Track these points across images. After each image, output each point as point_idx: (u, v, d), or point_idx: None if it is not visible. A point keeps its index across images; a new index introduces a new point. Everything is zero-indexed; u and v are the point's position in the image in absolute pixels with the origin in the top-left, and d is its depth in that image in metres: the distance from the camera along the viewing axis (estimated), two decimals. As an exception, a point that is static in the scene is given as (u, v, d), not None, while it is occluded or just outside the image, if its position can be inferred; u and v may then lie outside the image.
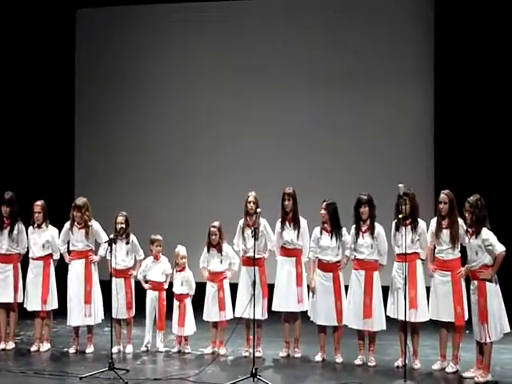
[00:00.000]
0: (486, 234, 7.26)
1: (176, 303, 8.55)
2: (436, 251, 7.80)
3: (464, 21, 11.32)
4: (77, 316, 8.40)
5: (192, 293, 8.63)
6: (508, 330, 7.34)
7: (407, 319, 7.62)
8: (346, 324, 8.08)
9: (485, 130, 11.28)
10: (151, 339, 8.62)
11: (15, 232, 8.58)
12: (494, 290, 7.25)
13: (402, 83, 11.81)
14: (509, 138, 11.28)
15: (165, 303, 8.65)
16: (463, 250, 7.65)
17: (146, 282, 8.70)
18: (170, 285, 8.69)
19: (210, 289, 8.54)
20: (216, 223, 8.56)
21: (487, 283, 7.22)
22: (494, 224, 7.47)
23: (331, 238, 8.14)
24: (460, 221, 7.69)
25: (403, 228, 7.65)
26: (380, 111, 11.81)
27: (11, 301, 8.58)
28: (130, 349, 8.55)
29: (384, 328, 8.01)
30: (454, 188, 7.94)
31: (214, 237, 8.50)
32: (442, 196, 7.76)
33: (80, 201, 8.50)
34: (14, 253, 8.62)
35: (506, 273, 7.56)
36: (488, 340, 7.24)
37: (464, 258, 7.63)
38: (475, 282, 7.31)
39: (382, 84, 11.84)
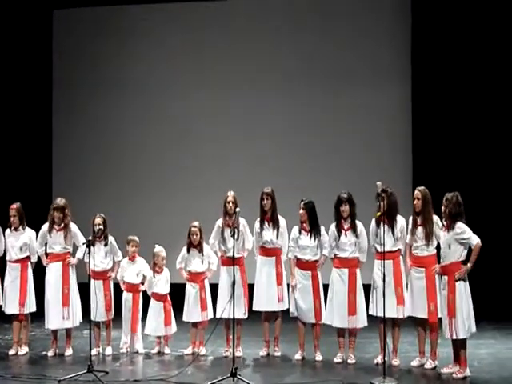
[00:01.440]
0: (460, 227, 7.30)
1: (159, 304, 8.51)
2: (412, 248, 7.87)
3: (441, 18, 11.44)
4: (55, 319, 8.33)
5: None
6: (474, 330, 7.39)
7: (395, 315, 7.73)
8: (330, 323, 8.07)
9: (462, 128, 11.39)
10: (129, 341, 8.57)
11: (-5, 235, 8.54)
12: (463, 287, 7.28)
13: (379, 82, 11.88)
14: (486, 135, 11.39)
15: (140, 305, 8.59)
16: (439, 247, 7.70)
17: (124, 282, 8.66)
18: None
19: (191, 289, 8.50)
20: (196, 223, 8.54)
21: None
22: (472, 221, 7.52)
23: (310, 237, 8.16)
24: (435, 218, 7.74)
25: (383, 226, 7.69)
26: (357, 110, 11.89)
27: None
28: (109, 351, 8.49)
29: (366, 324, 8.04)
30: (432, 186, 7.99)
31: (195, 237, 8.48)
32: (416, 192, 7.84)
33: (62, 202, 8.42)
34: (-5, 256, 8.59)
35: (477, 273, 7.62)
36: (454, 336, 7.27)
37: (440, 255, 7.68)
38: (445, 277, 7.35)
39: (359, 83, 11.91)
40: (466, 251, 7.34)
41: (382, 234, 7.59)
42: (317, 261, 8.19)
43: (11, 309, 8.50)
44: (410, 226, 7.88)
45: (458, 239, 7.29)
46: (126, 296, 8.59)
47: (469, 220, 7.46)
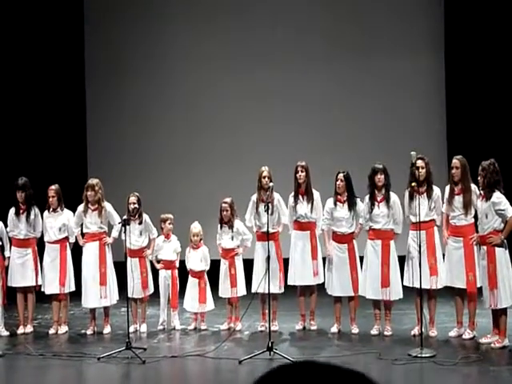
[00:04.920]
0: (498, 197, 7.17)
1: (194, 280, 8.53)
2: (450, 217, 7.76)
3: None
4: (92, 298, 8.45)
5: (207, 268, 8.64)
6: None
7: (428, 286, 7.66)
8: (363, 295, 8.05)
9: (497, 95, 11.13)
10: (166, 317, 8.63)
11: (32, 217, 8.62)
12: (503, 256, 7.18)
13: (412, 53, 11.69)
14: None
15: (178, 281, 8.65)
16: (477, 217, 7.58)
17: (158, 261, 8.71)
18: (180, 263, 8.70)
19: (223, 266, 8.53)
20: (227, 199, 8.53)
21: (496, 249, 7.17)
22: (508, 189, 7.38)
23: (346, 208, 8.11)
24: (473, 186, 7.62)
25: (418, 196, 7.61)
26: (390, 81, 11.70)
27: (32, 284, 8.62)
28: (144, 328, 8.56)
29: (401, 297, 8.00)
30: (467, 154, 7.89)
31: (225, 213, 8.47)
32: (454, 161, 7.71)
33: (93, 180, 8.54)
34: (32, 237, 8.67)
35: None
36: (498, 306, 7.18)
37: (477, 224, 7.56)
38: (484, 247, 7.25)
39: (391, 54, 11.73)
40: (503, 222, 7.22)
41: (418, 204, 7.50)
42: (353, 233, 8.15)
43: (51, 289, 8.62)
44: (446, 196, 7.77)
45: (495, 210, 7.16)
46: (165, 274, 8.64)
47: (506, 187, 7.33)
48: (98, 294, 8.41)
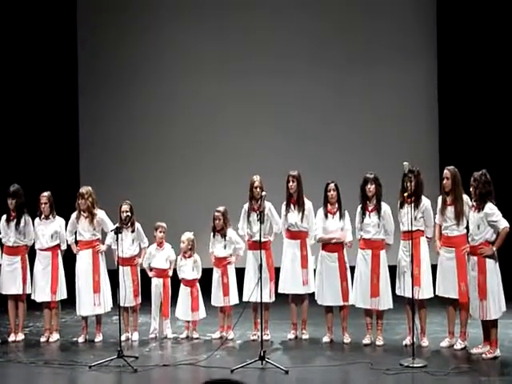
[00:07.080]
0: (491, 208, 7.20)
1: (187, 289, 8.55)
2: (442, 228, 7.78)
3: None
4: (86, 306, 8.43)
5: (198, 277, 8.64)
6: (505, 308, 7.31)
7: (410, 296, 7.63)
8: (354, 304, 8.06)
9: (490, 106, 11.20)
10: (158, 326, 8.63)
11: (22, 224, 8.60)
12: (493, 267, 7.21)
13: (404, 61, 11.74)
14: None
15: (169, 290, 8.64)
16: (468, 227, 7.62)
17: (151, 269, 8.71)
18: (174, 271, 8.71)
19: (215, 274, 8.54)
20: (220, 208, 8.55)
21: (487, 260, 7.19)
22: (501, 200, 7.43)
23: (337, 219, 8.14)
24: (465, 197, 7.65)
25: (407, 206, 7.64)
26: (382, 90, 11.75)
27: (20, 292, 8.60)
28: (136, 336, 8.56)
29: (391, 307, 8.01)
30: (460, 165, 7.91)
31: (217, 221, 8.49)
32: (445, 172, 7.76)
33: (83, 188, 8.56)
34: (22, 245, 8.64)
35: (505, 251, 7.50)
36: (487, 317, 7.21)
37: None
38: (475, 258, 7.28)
39: (385, 62, 11.77)
40: (495, 233, 7.25)
41: (408, 213, 7.53)
42: (342, 242, 8.17)
43: (42, 296, 8.59)
44: (439, 206, 7.80)
45: (488, 221, 7.20)
46: (157, 282, 8.64)
47: (498, 198, 7.37)
48: (91, 301, 8.40)
